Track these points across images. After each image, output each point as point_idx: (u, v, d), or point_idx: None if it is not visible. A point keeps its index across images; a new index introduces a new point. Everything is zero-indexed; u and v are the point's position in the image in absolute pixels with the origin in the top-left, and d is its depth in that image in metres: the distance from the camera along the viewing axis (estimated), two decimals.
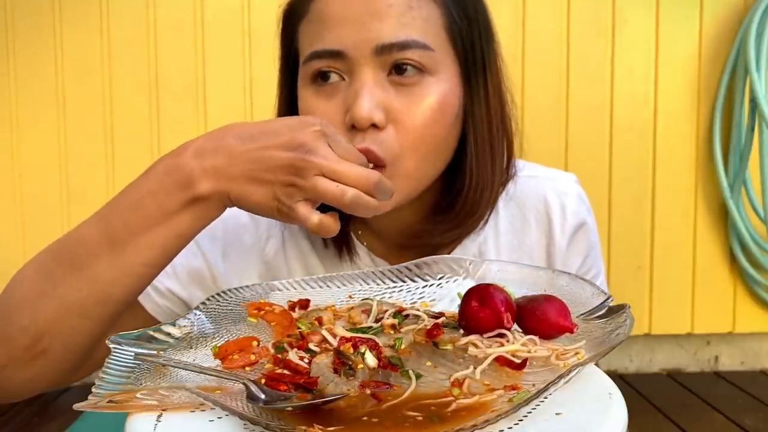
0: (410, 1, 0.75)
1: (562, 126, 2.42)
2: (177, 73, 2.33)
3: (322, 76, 0.78)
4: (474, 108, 0.82)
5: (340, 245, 0.89)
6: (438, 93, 0.77)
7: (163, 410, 0.54)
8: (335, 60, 0.76)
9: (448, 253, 0.89)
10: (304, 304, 0.74)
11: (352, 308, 0.73)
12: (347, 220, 0.87)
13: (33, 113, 2.32)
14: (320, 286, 0.78)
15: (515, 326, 0.65)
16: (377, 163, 0.75)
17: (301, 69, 0.80)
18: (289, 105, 0.86)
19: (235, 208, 0.70)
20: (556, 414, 0.53)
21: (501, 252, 0.90)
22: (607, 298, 0.68)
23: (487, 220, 0.87)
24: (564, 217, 0.90)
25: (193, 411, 0.54)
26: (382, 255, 0.90)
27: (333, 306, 0.75)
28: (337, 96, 0.77)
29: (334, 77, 0.77)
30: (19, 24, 2.30)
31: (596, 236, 0.94)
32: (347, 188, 0.64)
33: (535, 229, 0.91)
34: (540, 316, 0.64)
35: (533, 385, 0.55)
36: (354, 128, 0.75)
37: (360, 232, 0.91)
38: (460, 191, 0.83)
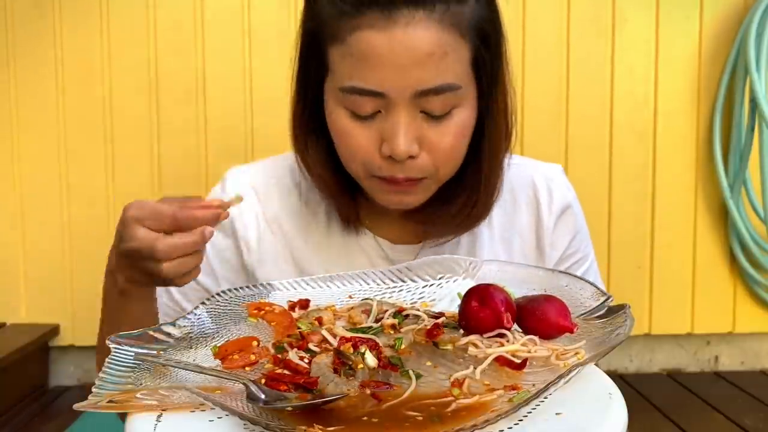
0: (446, 47, 0.78)
1: (562, 126, 2.42)
2: (177, 73, 2.32)
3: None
4: (490, 121, 0.87)
5: (348, 223, 0.93)
6: (462, 120, 0.83)
7: (163, 410, 0.54)
8: (374, 98, 0.80)
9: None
10: (304, 304, 0.75)
11: (352, 308, 0.73)
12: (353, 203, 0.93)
13: (33, 113, 2.32)
14: (320, 286, 0.78)
15: (515, 326, 0.65)
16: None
17: (337, 92, 0.82)
18: (310, 114, 0.89)
19: (215, 234, 0.73)
20: (556, 414, 0.53)
21: (494, 233, 0.96)
22: (607, 298, 0.68)
23: None
24: (551, 199, 0.97)
25: (193, 411, 0.54)
26: (383, 234, 0.94)
27: (333, 306, 0.75)
28: (373, 125, 0.82)
29: (371, 109, 0.81)
30: (19, 25, 2.30)
31: (583, 221, 1.00)
32: (161, 269, 0.69)
33: (525, 212, 0.97)
34: (540, 316, 0.64)
35: (533, 385, 0.55)
36: (391, 158, 0.81)
37: (364, 216, 0.94)
38: (472, 186, 0.89)
